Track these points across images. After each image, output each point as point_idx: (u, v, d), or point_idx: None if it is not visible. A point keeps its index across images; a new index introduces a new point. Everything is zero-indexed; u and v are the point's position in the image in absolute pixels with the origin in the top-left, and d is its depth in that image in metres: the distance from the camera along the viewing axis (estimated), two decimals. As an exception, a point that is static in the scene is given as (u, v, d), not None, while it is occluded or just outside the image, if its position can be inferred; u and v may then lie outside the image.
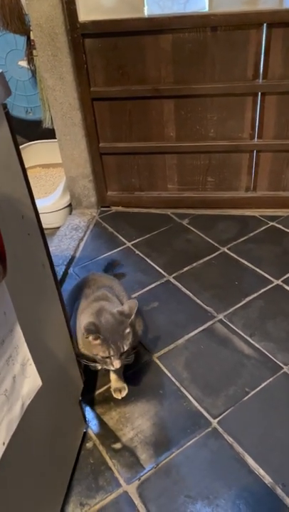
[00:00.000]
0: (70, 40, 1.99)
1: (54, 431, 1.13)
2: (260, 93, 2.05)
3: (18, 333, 0.85)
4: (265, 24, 1.88)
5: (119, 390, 1.46)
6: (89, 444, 1.35)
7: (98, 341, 1.21)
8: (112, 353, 1.21)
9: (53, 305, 1.10)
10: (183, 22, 1.91)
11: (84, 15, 1.96)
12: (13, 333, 0.83)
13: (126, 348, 1.24)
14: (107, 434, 1.36)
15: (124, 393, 1.46)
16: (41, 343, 1.03)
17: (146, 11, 1.93)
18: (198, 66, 2.03)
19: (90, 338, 1.21)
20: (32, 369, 0.89)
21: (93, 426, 1.39)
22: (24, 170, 0.91)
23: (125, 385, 1.47)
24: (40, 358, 0.95)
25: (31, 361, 0.89)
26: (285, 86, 2.00)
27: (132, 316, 1.26)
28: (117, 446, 1.33)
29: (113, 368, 1.25)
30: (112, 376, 1.46)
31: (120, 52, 2.04)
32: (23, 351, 0.87)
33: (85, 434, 1.37)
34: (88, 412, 1.42)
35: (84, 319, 1.27)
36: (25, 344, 0.87)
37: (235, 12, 1.87)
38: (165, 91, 2.11)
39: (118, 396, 1.45)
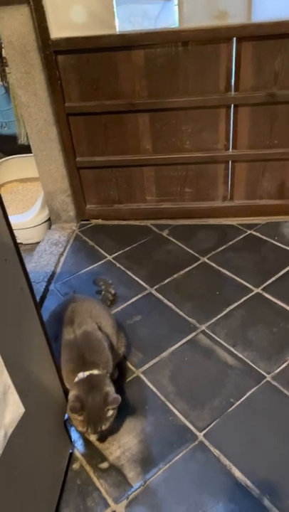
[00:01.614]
0: (42, 57, 1.99)
1: (39, 454, 1.11)
2: (232, 105, 2.09)
3: (-2, 361, 0.84)
4: (234, 38, 1.92)
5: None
6: (76, 465, 1.33)
7: (80, 418, 1.22)
8: (89, 430, 1.22)
9: (34, 328, 1.10)
10: (154, 38, 1.94)
11: (56, 32, 1.96)
12: (-7, 362, 0.82)
13: (104, 428, 1.24)
14: (94, 454, 1.35)
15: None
16: (23, 367, 1.02)
17: (118, 27, 1.95)
18: (171, 80, 2.05)
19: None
20: (14, 397, 0.88)
21: (79, 446, 1.38)
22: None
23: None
24: (23, 382, 0.94)
25: (13, 389, 0.88)
26: (257, 98, 2.05)
27: (114, 407, 1.24)
28: (104, 465, 1.32)
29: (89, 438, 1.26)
30: None
31: (94, 68, 2.05)
32: (4, 379, 0.86)
33: (71, 454, 1.35)
34: (74, 432, 1.40)
35: (69, 381, 1.28)
36: (5, 371, 0.87)
37: (205, 27, 1.91)
38: (139, 105, 2.12)
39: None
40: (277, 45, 1.92)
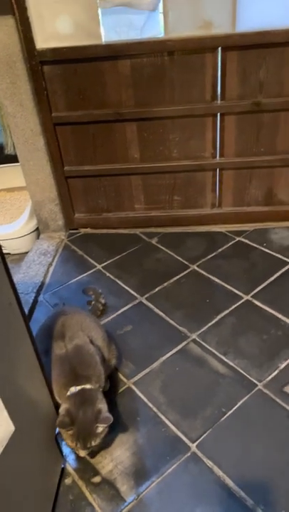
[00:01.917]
0: (28, 68, 1.99)
1: (30, 470, 1.10)
2: (219, 114, 2.11)
3: (-13, 380, 0.82)
4: (219, 48, 1.94)
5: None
6: (68, 480, 1.32)
7: (70, 432, 1.20)
8: (78, 445, 1.21)
9: (23, 343, 1.08)
10: (140, 48, 1.95)
11: (41, 42, 1.96)
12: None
13: (94, 444, 1.22)
14: (86, 468, 1.34)
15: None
16: (12, 383, 1.00)
17: (104, 38, 1.95)
18: (157, 89, 2.06)
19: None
20: (3, 416, 0.87)
21: (71, 461, 1.36)
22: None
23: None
24: (12, 398, 0.93)
25: (2, 407, 0.87)
26: (243, 106, 2.07)
27: (105, 425, 1.23)
28: (97, 479, 1.31)
29: (78, 454, 1.24)
30: None
31: (80, 78, 2.05)
32: (-7, 398, 0.85)
33: (63, 469, 1.33)
34: (65, 447, 1.38)
35: (61, 395, 1.26)
36: (-6, 390, 0.85)
37: (191, 37, 1.92)
38: (127, 114, 2.13)
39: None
40: (262, 55, 1.94)
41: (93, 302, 1.90)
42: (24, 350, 1.09)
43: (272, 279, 2.02)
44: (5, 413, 0.86)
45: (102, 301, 1.92)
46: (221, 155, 2.23)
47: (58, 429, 1.26)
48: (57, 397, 1.29)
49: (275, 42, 1.90)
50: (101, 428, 1.22)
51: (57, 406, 1.27)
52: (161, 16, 1.90)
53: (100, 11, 1.90)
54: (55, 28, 1.94)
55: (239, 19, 1.88)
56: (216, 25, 1.90)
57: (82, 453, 1.22)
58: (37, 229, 2.56)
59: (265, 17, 1.87)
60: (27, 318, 1.09)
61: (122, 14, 1.91)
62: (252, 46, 1.92)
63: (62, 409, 1.23)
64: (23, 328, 1.07)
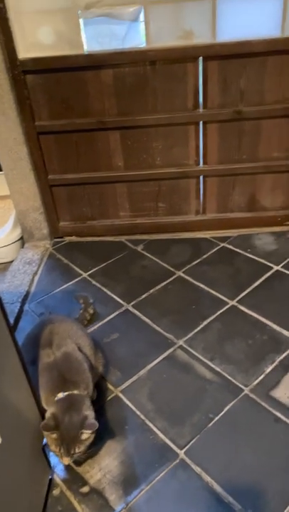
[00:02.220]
0: (11, 77, 1.99)
1: (17, 482, 1.08)
2: (201, 122, 2.13)
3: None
4: (200, 58, 1.97)
5: None
6: (56, 491, 1.30)
7: (54, 436, 1.19)
8: (62, 451, 1.20)
9: (8, 353, 1.07)
10: (122, 57, 1.97)
11: (23, 52, 1.97)
12: None
13: (78, 451, 1.21)
14: (74, 478, 1.33)
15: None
16: (-2, 396, 0.99)
17: (86, 47, 1.97)
18: (140, 98, 2.08)
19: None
20: (-11, 427, 0.86)
21: (59, 471, 1.35)
22: None
23: None
24: (-2, 412, 0.92)
25: (-12, 419, 0.86)
26: (225, 114, 2.10)
27: (90, 431, 1.22)
28: (85, 489, 1.30)
29: (62, 462, 1.23)
30: None
31: (63, 87, 2.06)
32: (-21, 410, 0.84)
33: (50, 480, 1.32)
34: (53, 457, 1.37)
35: (48, 402, 1.26)
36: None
37: (172, 47, 1.95)
38: (110, 123, 2.14)
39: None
40: (242, 64, 1.98)
41: (81, 311, 1.89)
42: (10, 361, 1.08)
43: (256, 284, 2.04)
44: (-9, 425, 0.86)
45: (91, 311, 1.91)
46: (204, 162, 2.26)
47: (45, 440, 1.25)
48: (44, 405, 1.28)
49: (255, 52, 1.94)
50: (86, 435, 1.21)
51: (44, 415, 1.26)
52: (142, 26, 1.92)
53: (81, 22, 1.91)
54: (37, 38, 1.95)
55: (219, 29, 1.92)
56: (197, 35, 1.93)
57: (66, 460, 1.21)
58: (21, 238, 2.54)
59: (245, 27, 1.91)
60: (12, 327, 1.09)
61: (103, 24, 1.93)
62: (232, 56, 1.96)
63: (48, 413, 1.22)
64: (9, 337, 1.07)
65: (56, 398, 1.26)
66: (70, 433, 1.20)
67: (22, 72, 2.00)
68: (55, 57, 1.97)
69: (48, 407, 1.27)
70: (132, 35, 1.94)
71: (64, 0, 1.85)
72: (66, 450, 1.19)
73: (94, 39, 1.95)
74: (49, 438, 1.21)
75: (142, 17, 1.90)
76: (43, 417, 1.25)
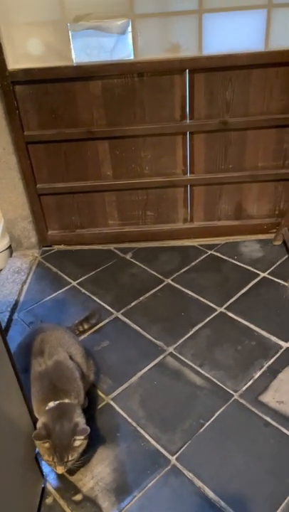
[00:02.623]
0: (0, 88, 2.01)
1: (9, 491, 1.08)
2: (188, 132, 2.18)
3: None
4: (187, 70, 2.02)
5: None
6: (49, 500, 1.30)
7: (46, 445, 1.20)
8: (55, 460, 1.20)
9: (2, 361, 1.08)
10: (111, 69, 2.00)
11: (13, 63, 1.99)
12: None
13: (71, 459, 1.22)
14: (67, 487, 1.33)
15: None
16: (-8, 404, 1.00)
17: (75, 59, 2.00)
18: (128, 109, 2.12)
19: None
20: (-16, 436, 0.87)
21: (52, 480, 1.35)
22: None
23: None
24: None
25: (-17, 428, 0.87)
26: (211, 125, 2.15)
27: (82, 438, 1.23)
28: (78, 497, 1.30)
29: (56, 471, 1.24)
30: None
31: (52, 98, 2.09)
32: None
33: (43, 489, 1.32)
34: (45, 466, 1.37)
35: (40, 411, 1.26)
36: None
37: (159, 59, 1.99)
38: (98, 133, 2.17)
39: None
40: (228, 77, 2.03)
41: (77, 322, 1.88)
42: (3, 369, 1.09)
43: (244, 290, 2.08)
44: (-14, 434, 0.86)
45: (86, 326, 1.90)
46: (192, 172, 2.30)
47: (37, 449, 1.25)
48: (36, 414, 1.29)
49: (240, 65, 2.00)
50: (78, 441, 1.22)
51: (36, 424, 1.27)
52: (130, 39, 1.96)
53: (70, 34, 1.94)
54: (26, 49, 1.98)
55: (205, 43, 1.97)
56: (184, 48, 1.98)
57: (60, 469, 1.21)
58: (9, 247, 2.54)
59: (230, 41, 1.96)
60: (4, 333, 1.09)
61: (92, 37, 1.96)
62: (218, 68, 2.01)
63: (39, 423, 1.23)
64: (2, 345, 1.07)
65: (47, 407, 1.27)
66: (62, 441, 1.20)
67: (11, 82, 2.02)
68: (45, 69, 2.00)
69: (40, 417, 1.27)
70: (120, 47, 1.98)
71: (53, 12, 1.88)
72: (59, 458, 1.20)
73: (83, 51, 1.99)
74: (41, 448, 1.22)
75: (129, 30, 1.94)
76: (35, 426, 1.25)
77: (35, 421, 1.27)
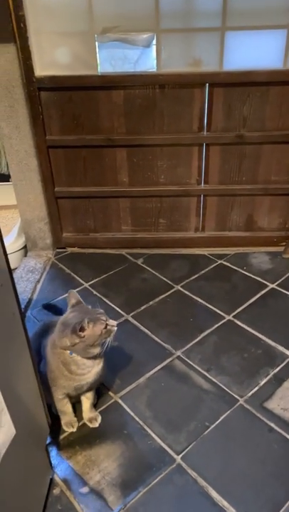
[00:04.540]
0: (26, 93, 2.09)
1: (21, 480, 1.13)
2: (205, 144, 2.25)
3: (-6, 383, 0.87)
4: (207, 84, 2.09)
5: (95, 419, 1.52)
6: (56, 491, 1.34)
7: (90, 325, 1.28)
8: (103, 318, 1.32)
9: (22, 352, 1.13)
10: (133, 80, 2.08)
11: (40, 70, 2.07)
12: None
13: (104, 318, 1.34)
14: (74, 479, 1.37)
15: (99, 420, 1.53)
16: (12, 390, 1.05)
17: (100, 69, 2.08)
18: (148, 119, 2.19)
19: (83, 332, 1.28)
20: (6, 418, 0.92)
21: (59, 471, 1.39)
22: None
23: (98, 413, 1.54)
24: (11, 405, 0.98)
25: (6, 410, 0.91)
26: (227, 138, 2.21)
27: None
28: (85, 490, 1.34)
29: (115, 329, 1.34)
30: (85, 407, 1.52)
31: (75, 105, 2.17)
32: (-2, 400, 0.89)
33: (51, 480, 1.36)
34: (54, 458, 1.42)
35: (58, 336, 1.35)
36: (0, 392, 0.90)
37: (181, 73, 2.07)
38: (118, 140, 2.24)
39: (94, 424, 1.52)
40: (246, 92, 2.10)
41: None
42: (23, 359, 1.14)
43: (252, 300, 2.12)
44: (8, 415, 0.91)
45: None
46: (206, 182, 2.36)
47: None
48: (60, 381, 1.36)
49: (258, 81, 2.07)
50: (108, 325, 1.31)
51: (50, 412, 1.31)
52: (154, 52, 2.04)
53: (97, 45, 2.03)
54: (53, 57, 2.06)
55: (226, 59, 2.04)
56: (205, 63, 2.06)
57: (113, 322, 1.34)
58: (25, 246, 2.61)
59: (250, 58, 2.03)
60: (27, 328, 1.15)
61: (117, 48, 2.04)
62: (237, 84, 2.08)
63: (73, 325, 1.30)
64: (24, 338, 1.13)
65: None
66: (85, 311, 1.35)
67: (37, 88, 2.10)
68: (70, 77, 2.08)
69: (57, 387, 1.38)
70: (144, 59, 2.06)
71: (83, 24, 1.97)
72: (102, 315, 1.33)
73: (108, 61, 2.07)
74: (92, 333, 1.29)
75: (154, 43, 2.02)
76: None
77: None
